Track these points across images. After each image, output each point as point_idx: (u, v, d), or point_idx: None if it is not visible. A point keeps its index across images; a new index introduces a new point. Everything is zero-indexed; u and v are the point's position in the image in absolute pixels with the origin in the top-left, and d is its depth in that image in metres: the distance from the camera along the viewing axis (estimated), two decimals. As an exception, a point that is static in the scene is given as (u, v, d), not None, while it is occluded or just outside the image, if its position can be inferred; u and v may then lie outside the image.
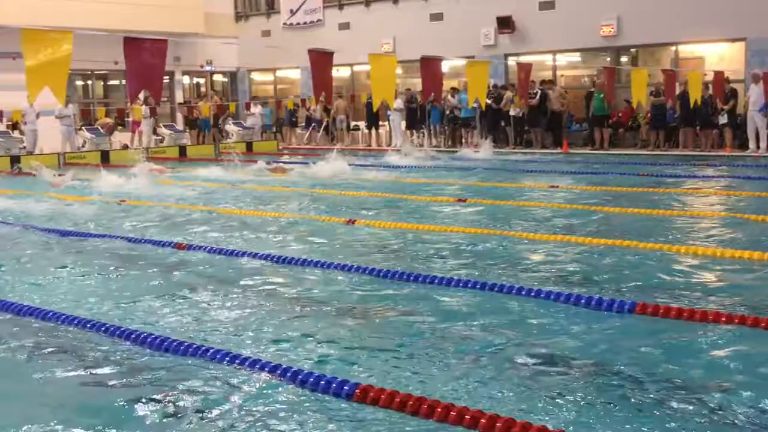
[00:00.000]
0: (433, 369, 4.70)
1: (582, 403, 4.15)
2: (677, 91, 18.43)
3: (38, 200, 12.93)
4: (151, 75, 7.36)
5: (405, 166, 17.85)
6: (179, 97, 28.23)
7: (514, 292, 6.22)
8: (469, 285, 6.46)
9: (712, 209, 10.68)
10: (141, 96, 20.58)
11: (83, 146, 22.96)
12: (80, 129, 23.00)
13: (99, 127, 23.56)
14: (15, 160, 20.38)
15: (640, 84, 16.73)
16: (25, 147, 21.64)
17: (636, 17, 20.65)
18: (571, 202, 11.48)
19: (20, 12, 20.83)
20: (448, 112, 22.97)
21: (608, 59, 21.81)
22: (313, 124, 26.50)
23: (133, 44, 7.07)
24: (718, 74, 18.50)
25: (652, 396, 4.21)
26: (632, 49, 21.98)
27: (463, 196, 12.26)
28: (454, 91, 22.38)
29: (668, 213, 10.14)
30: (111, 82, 27.83)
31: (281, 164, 18.00)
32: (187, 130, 25.92)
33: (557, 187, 13.20)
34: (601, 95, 19.72)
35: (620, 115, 20.95)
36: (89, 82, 26.89)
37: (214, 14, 27.73)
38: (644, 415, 4.00)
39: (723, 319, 5.35)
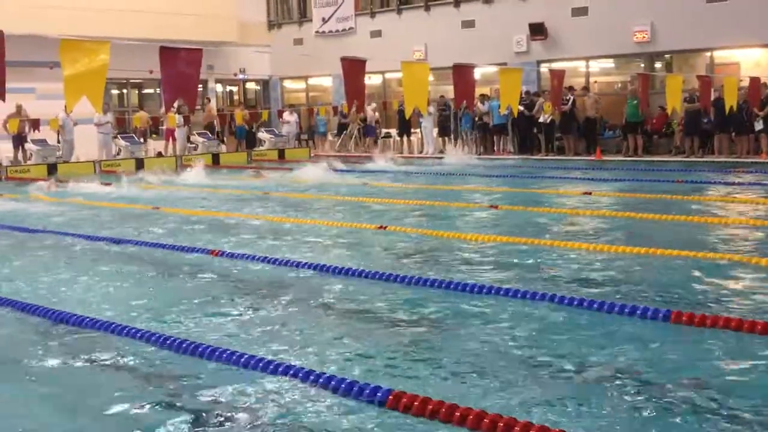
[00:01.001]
0: (465, 376, 4.69)
1: (615, 411, 4.12)
2: (712, 97, 18.22)
3: (65, 206, 13.11)
4: (186, 84, 7.44)
5: (389, 171, 18.02)
6: (213, 105, 28.46)
7: (546, 299, 6.19)
8: (501, 292, 6.44)
9: (747, 216, 10.55)
10: (175, 104, 20.80)
11: (118, 154, 23.25)
12: (115, 137, 23.29)
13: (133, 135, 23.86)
14: (52, 168, 20.69)
15: (674, 90, 16.53)
16: (61, 156, 21.95)
17: (670, 23, 20.47)
18: (605, 209, 11.39)
19: (58, 21, 21.15)
20: (477, 119, 22.92)
21: (642, 65, 21.64)
22: (344, 132, 26.57)
23: (168, 53, 7.16)
24: (754, 80, 18.24)
25: (684, 404, 4.17)
26: (666, 55, 21.78)
27: (496, 203, 12.22)
28: (484, 98, 22.33)
29: (703, 220, 10.02)
30: (146, 91, 28.15)
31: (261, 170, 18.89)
32: (218, 137, 26.14)
33: (590, 194, 13.12)
34: (635, 102, 19.56)
35: (654, 121, 20.76)
36: (124, 90, 27.23)
37: (247, 23, 27.96)
38: (677, 423, 3.97)
39: (759, 328, 5.28)
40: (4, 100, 6.42)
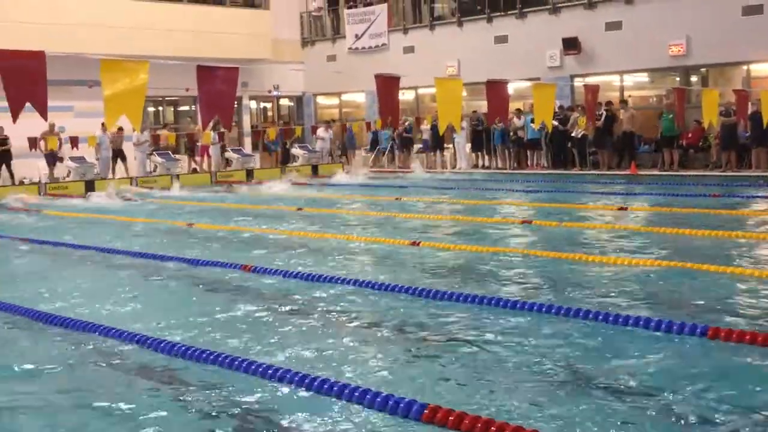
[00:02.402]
0: (500, 392, 4.68)
1: (653, 427, 4.09)
2: (749, 111, 18.01)
3: (100, 223, 13.29)
4: (223, 102, 7.53)
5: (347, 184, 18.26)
6: (247, 121, 28.77)
7: (581, 315, 6.16)
8: (535, 308, 6.42)
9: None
10: (211, 122, 21.05)
11: (154, 170, 23.54)
12: (151, 154, 23.59)
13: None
14: (89, 185, 21.00)
15: (711, 104, 16.38)
16: (98, 173, 22.27)
17: (705, 36, 20.29)
18: (640, 224, 11.31)
19: (95, 41, 21.52)
20: (512, 134, 22.88)
21: (677, 79, 21.47)
22: (378, 147, 26.69)
23: (205, 72, 7.26)
24: (792, 93, 18.01)
25: (723, 422, 4.12)
26: (702, 69, 21.59)
27: (529, 218, 12.18)
28: (518, 113, 22.30)
29: (740, 235, 9.91)
30: (181, 108, 28.50)
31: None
32: (254, 153, 26.42)
33: (626, 209, 13.03)
34: (671, 116, 19.40)
35: (690, 135, 20.56)
36: (160, 108, 27.59)
37: (281, 40, 28.22)
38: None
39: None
40: (46, 119, 6.55)
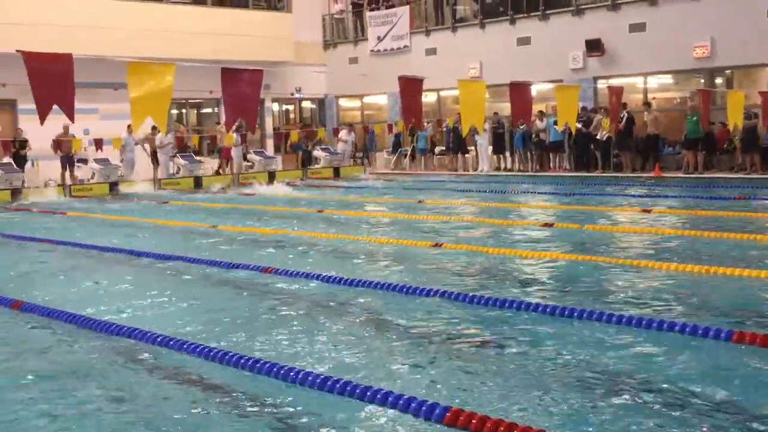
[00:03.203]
0: (521, 395, 4.67)
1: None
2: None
3: (135, 226, 13.38)
4: (247, 104, 7.58)
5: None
6: (269, 123, 28.88)
7: (603, 318, 6.14)
8: (556, 311, 6.40)
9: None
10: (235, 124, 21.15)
11: (177, 172, 23.68)
12: (174, 156, 23.73)
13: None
14: (113, 186, 21.18)
15: (736, 106, 16.28)
16: (123, 174, 22.45)
17: (731, 38, 20.11)
18: (664, 227, 11.24)
19: (120, 43, 21.71)
20: (534, 136, 22.82)
21: (702, 81, 21.31)
22: (399, 150, 26.72)
23: (230, 75, 7.31)
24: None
25: (748, 426, 4.10)
26: (727, 71, 21.42)
27: (552, 220, 12.14)
28: (540, 115, 22.23)
29: (765, 238, 9.82)
30: (204, 110, 28.65)
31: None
32: (276, 155, 26.56)
33: (649, 211, 12.95)
34: (695, 118, 19.26)
35: (715, 137, 20.38)
36: (183, 110, 27.75)
37: (303, 43, 28.31)
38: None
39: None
40: (73, 121, 6.63)
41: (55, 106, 6.32)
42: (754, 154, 19.15)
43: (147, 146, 23.14)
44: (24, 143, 21.13)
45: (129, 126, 21.63)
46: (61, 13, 22.08)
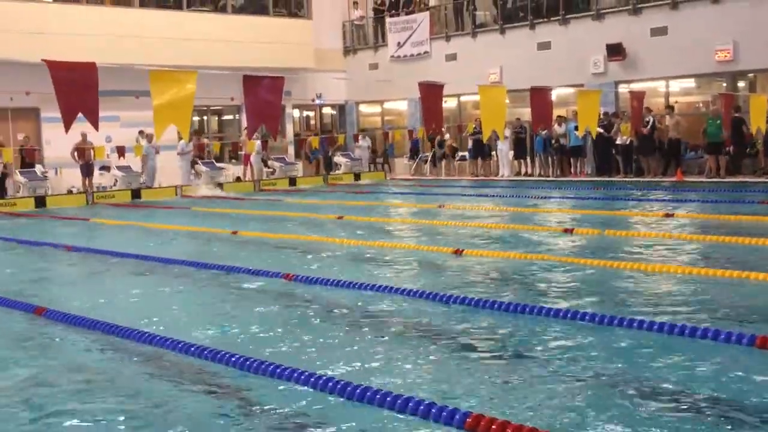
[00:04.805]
0: (542, 401, 4.66)
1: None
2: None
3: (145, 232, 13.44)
4: (269, 111, 7.62)
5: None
6: (290, 130, 28.98)
7: (625, 324, 6.10)
8: (578, 316, 6.38)
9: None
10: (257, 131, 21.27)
11: (199, 179, 23.82)
12: (196, 163, 23.87)
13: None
14: (136, 193, 21.35)
15: (759, 110, 16.17)
16: (144, 182, 22.63)
17: (753, 41, 19.93)
18: (687, 232, 11.16)
19: (142, 51, 21.85)
20: (554, 141, 22.76)
21: (724, 85, 21.15)
22: (420, 155, 26.76)
23: (251, 82, 7.36)
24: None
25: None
26: (750, 74, 21.25)
27: (572, 226, 12.09)
28: (561, 119, 22.16)
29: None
30: (225, 117, 28.81)
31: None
32: (297, 161, 26.69)
33: (672, 215, 12.87)
34: (717, 122, 19.12)
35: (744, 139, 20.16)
36: (205, 117, 27.92)
37: (323, 49, 28.41)
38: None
39: None
40: (97, 129, 6.70)
41: (78, 114, 6.39)
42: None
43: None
44: (32, 152, 21.40)
45: (140, 132, 21.82)
46: (84, 22, 22.33)
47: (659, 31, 21.66)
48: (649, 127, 20.42)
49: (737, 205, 14.10)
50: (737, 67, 20.57)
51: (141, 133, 22.87)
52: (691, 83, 23.03)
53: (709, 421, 4.26)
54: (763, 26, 19.70)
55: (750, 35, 19.99)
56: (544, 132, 22.05)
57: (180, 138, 21.68)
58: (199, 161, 24.01)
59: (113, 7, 24.05)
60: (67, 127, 6.22)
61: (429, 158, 26.50)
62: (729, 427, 4.16)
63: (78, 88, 6.44)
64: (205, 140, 25.91)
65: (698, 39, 20.65)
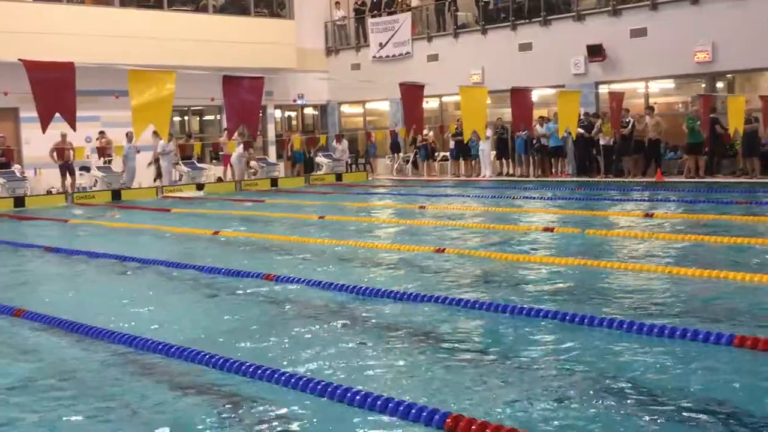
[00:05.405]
0: (521, 400, 4.68)
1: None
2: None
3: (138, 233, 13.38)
4: (249, 111, 7.60)
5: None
6: (272, 130, 28.91)
7: (605, 324, 6.14)
8: (557, 317, 6.40)
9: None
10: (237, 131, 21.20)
11: (180, 180, 23.72)
12: (177, 163, 23.77)
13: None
14: (116, 194, 21.23)
15: (737, 111, 16.30)
16: (124, 182, 22.51)
17: (732, 42, 20.10)
18: (666, 232, 11.24)
19: (122, 51, 21.71)
20: (535, 141, 22.85)
21: (703, 86, 21.31)
22: (402, 155, 26.78)
23: (231, 82, 7.34)
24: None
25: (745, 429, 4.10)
26: (728, 75, 21.42)
27: (553, 225, 12.14)
28: (542, 120, 22.26)
29: (764, 242, 9.81)
30: (206, 118, 28.70)
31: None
32: (279, 162, 26.64)
33: (651, 215, 12.95)
34: (698, 122, 19.25)
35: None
36: (186, 117, 27.80)
37: (305, 49, 28.36)
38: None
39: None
40: (75, 129, 6.66)
41: (56, 114, 6.34)
42: (755, 158, 19.15)
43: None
44: (7, 151, 21.20)
45: (128, 133, 21.70)
46: (62, 21, 22.16)
47: (639, 33, 21.80)
48: (629, 127, 20.54)
49: (716, 205, 14.21)
50: (716, 68, 20.73)
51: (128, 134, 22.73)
52: (670, 84, 23.20)
53: (689, 420, 4.29)
54: (741, 27, 19.87)
55: (729, 36, 20.15)
56: (523, 132, 22.13)
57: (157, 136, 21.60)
58: (181, 162, 23.93)
59: (93, 7, 23.87)
60: (44, 128, 6.16)
61: (411, 159, 26.53)
62: (707, 425, 4.20)
63: (55, 88, 6.39)
64: (180, 140, 25.75)
65: (677, 40, 20.80)
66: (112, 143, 22.23)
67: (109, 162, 22.82)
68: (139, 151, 22.51)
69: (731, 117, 16.48)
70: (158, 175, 23.26)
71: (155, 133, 21.66)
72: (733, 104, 16.53)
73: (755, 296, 7.05)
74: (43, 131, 6.30)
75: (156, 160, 23.20)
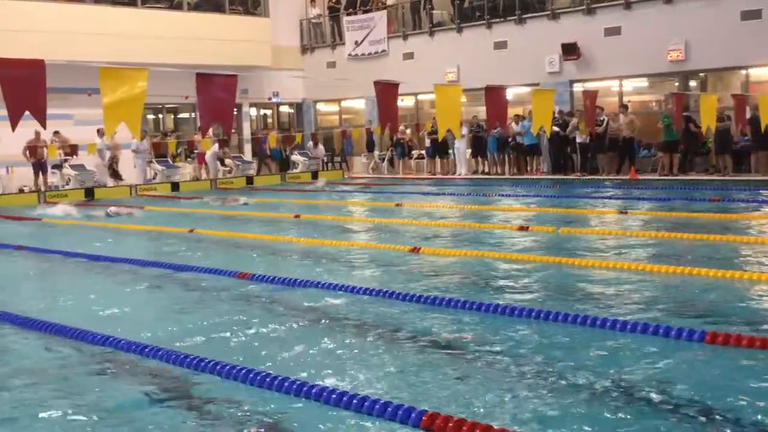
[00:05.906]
0: (498, 398, 4.69)
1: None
2: (748, 116, 18.05)
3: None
4: (222, 109, 7.56)
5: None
6: (247, 128, 28.80)
7: (579, 321, 6.17)
8: (533, 314, 6.43)
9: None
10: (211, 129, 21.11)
11: (154, 178, 23.57)
12: (151, 162, 23.61)
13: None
14: (89, 192, 21.05)
15: (709, 109, 16.45)
16: (97, 180, 22.31)
17: (704, 41, 20.30)
18: (640, 229, 11.32)
19: (95, 48, 21.55)
20: (510, 139, 22.93)
21: (676, 84, 21.50)
22: (378, 153, 26.77)
23: (204, 80, 7.29)
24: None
25: (720, 426, 4.13)
26: (701, 74, 21.62)
27: (528, 223, 12.19)
28: (517, 118, 22.34)
29: (739, 239, 9.92)
30: (181, 116, 28.53)
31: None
32: (254, 160, 26.55)
33: (625, 212, 13.04)
34: (669, 121, 19.41)
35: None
36: (160, 115, 27.62)
37: (280, 47, 28.27)
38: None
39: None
40: (45, 128, 6.59)
41: (26, 113, 6.27)
42: (727, 156, 19.35)
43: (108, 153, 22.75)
44: None
45: (99, 130, 21.51)
46: (34, 18, 21.92)
47: (613, 31, 21.95)
48: (603, 126, 20.68)
49: (689, 202, 14.34)
50: (689, 66, 20.93)
51: (99, 131, 22.53)
52: (644, 83, 23.38)
53: (664, 415, 4.32)
54: (714, 27, 20.07)
55: (701, 35, 20.35)
56: (496, 131, 22.20)
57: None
58: (155, 160, 23.77)
59: (66, 3, 23.62)
60: (14, 126, 6.08)
61: (387, 157, 26.54)
62: (686, 423, 4.23)
63: (25, 85, 6.32)
64: (155, 138, 25.56)
65: (651, 39, 20.97)
66: (68, 141, 21.93)
67: (66, 162, 22.47)
68: (109, 149, 22.33)
69: (704, 115, 16.62)
70: (115, 176, 22.97)
71: (99, 131, 21.48)
72: (706, 102, 16.67)
73: (727, 292, 7.11)
74: (13, 129, 6.22)
75: (111, 161, 22.85)
